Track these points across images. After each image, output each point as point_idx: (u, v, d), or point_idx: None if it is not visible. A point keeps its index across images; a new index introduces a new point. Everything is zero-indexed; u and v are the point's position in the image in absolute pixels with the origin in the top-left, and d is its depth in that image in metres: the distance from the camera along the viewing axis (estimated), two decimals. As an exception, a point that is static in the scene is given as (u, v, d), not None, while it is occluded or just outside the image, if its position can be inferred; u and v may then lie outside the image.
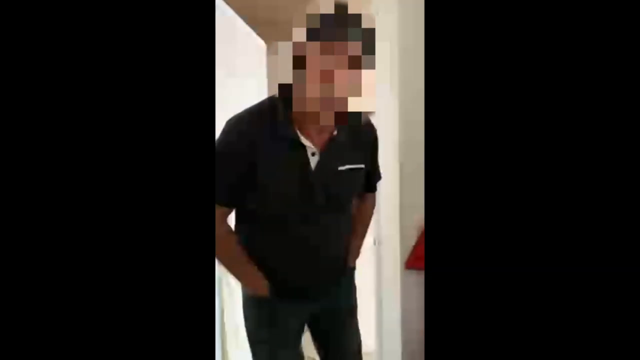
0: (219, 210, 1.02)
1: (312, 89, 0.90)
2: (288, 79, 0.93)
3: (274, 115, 1.00)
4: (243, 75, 1.82)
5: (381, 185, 1.59)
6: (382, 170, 1.46)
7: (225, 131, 1.01)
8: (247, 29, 1.95)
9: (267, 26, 2.28)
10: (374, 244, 1.70)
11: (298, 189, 1.03)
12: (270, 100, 1.05)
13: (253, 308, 1.18)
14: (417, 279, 1.60)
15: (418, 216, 1.56)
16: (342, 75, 0.88)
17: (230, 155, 0.98)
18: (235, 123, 1.01)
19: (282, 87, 0.97)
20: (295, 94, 0.93)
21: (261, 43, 2.15)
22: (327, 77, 0.88)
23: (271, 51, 2.29)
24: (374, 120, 1.22)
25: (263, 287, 1.11)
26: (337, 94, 0.89)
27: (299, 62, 0.90)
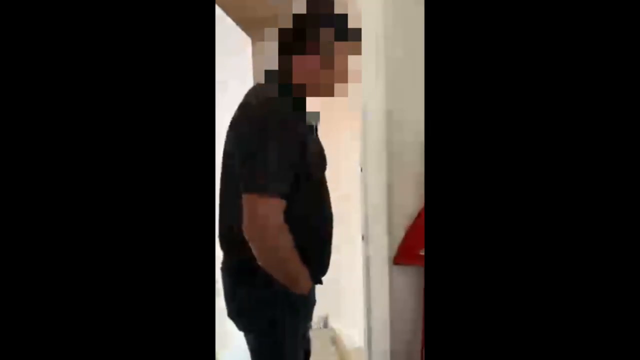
0: (278, 204, 0.98)
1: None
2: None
3: (294, 104, 1.04)
4: (230, 70, 1.80)
5: (369, 181, 1.60)
6: (370, 166, 1.46)
7: (277, 126, 0.98)
8: (232, 24, 1.93)
9: (252, 22, 2.26)
10: (362, 240, 1.70)
11: (321, 163, 1.12)
12: (278, 92, 1.05)
13: (286, 306, 1.10)
14: (405, 275, 1.60)
15: (405, 211, 1.56)
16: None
17: (292, 145, 0.99)
18: (280, 117, 0.99)
19: (282, 72, 1.05)
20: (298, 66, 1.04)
21: (246, 38, 2.14)
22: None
23: (256, 46, 2.27)
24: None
25: (310, 283, 1.10)
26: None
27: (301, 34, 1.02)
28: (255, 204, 0.96)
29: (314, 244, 1.11)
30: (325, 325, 2.98)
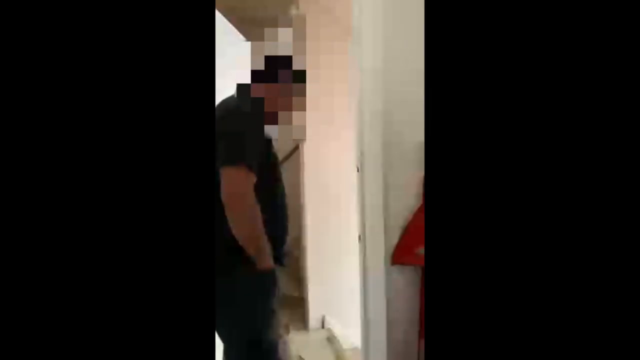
0: (248, 175, 1.16)
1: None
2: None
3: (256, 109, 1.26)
4: (228, 71, 1.80)
5: (365, 181, 1.60)
6: (367, 165, 1.47)
7: (251, 120, 1.22)
8: (229, 25, 1.93)
9: (249, 24, 2.26)
10: (359, 240, 1.70)
11: (278, 164, 1.35)
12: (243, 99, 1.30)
13: (262, 283, 1.26)
14: (402, 274, 1.60)
15: (402, 211, 1.56)
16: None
17: (260, 137, 1.21)
18: (254, 115, 1.23)
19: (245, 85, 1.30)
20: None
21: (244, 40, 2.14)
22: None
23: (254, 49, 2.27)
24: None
25: (271, 260, 1.24)
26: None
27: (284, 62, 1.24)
28: (229, 174, 1.15)
29: (272, 228, 1.26)
30: (322, 325, 2.98)
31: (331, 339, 2.78)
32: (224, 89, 1.63)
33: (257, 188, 1.18)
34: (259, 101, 1.25)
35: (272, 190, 1.30)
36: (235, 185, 1.15)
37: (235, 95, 1.33)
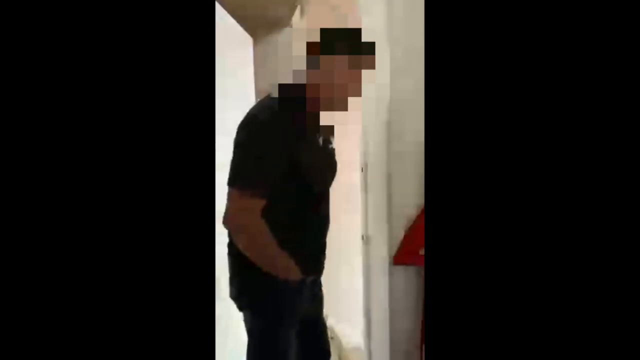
0: (258, 204, 1.06)
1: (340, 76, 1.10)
2: (300, 66, 1.11)
3: (295, 110, 1.10)
4: (230, 69, 1.80)
5: (369, 181, 1.60)
6: (371, 166, 1.45)
7: (263, 132, 1.07)
8: (233, 22, 1.93)
9: (253, 21, 2.26)
10: (362, 240, 1.70)
11: (326, 169, 1.24)
12: (280, 100, 1.12)
13: (279, 292, 1.18)
14: (405, 275, 1.60)
15: (406, 212, 1.56)
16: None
17: (274, 153, 1.06)
18: (270, 124, 1.08)
19: (285, 86, 1.13)
20: (311, 80, 1.10)
21: (247, 38, 2.14)
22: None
23: (258, 46, 2.27)
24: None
25: (297, 271, 1.16)
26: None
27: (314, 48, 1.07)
28: (232, 200, 1.07)
29: (300, 240, 1.18)
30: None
31: (333, 339, 2.78)
32: (225, 89, 1.63)
33: (276, 204, 1.08)
34: (299, 104, 1.11)
35: (298, 200, 1.16)
36: (233, 213, 1.07)
37: (276, 96, 1.16)
